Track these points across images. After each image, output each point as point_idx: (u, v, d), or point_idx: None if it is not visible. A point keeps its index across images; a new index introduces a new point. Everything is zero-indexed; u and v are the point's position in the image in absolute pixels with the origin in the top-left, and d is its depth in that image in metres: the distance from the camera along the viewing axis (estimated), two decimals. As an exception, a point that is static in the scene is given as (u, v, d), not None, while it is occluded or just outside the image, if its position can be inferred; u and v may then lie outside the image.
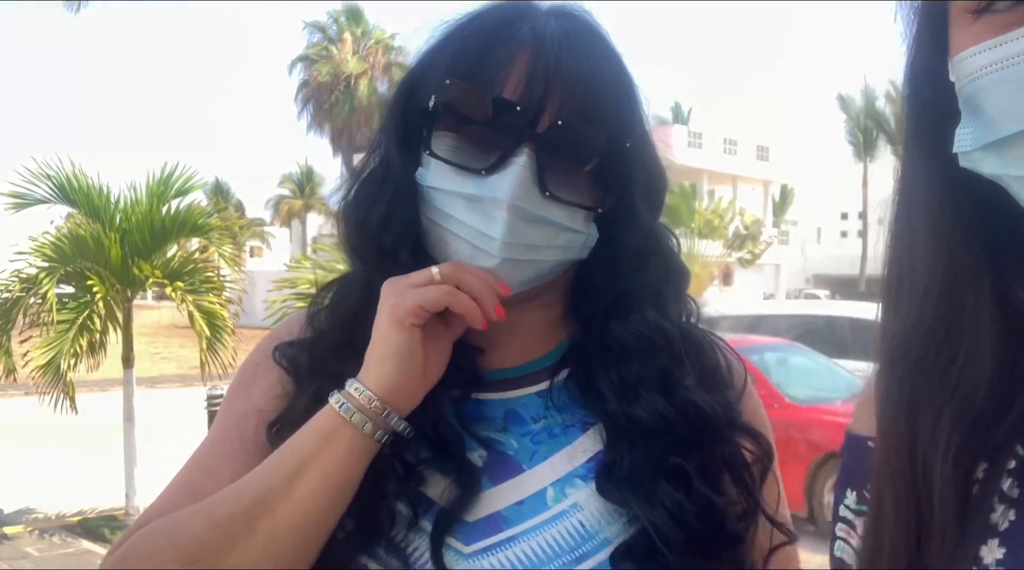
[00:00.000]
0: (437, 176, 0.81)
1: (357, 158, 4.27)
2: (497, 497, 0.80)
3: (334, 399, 0.75)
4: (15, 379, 6.05)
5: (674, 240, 0.89)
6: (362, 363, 0.77)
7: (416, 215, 0.82)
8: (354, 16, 33.72)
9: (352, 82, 32.33)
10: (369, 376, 0.75)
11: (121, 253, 6.02)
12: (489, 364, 0.85)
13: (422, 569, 0.76)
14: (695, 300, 0.89)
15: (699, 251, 25.57)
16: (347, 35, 33.15)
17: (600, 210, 0.82)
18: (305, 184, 43.78)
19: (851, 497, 0.68)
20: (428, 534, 0.77)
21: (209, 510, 0.76)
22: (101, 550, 5.42)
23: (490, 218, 0.77)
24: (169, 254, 6.33)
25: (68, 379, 5.69)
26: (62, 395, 5.74)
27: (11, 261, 5.91)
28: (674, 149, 31.13)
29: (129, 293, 6.21)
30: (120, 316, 6.17)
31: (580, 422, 0.84)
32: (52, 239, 5.94)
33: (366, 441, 0.74)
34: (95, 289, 5.87)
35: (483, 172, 0.78)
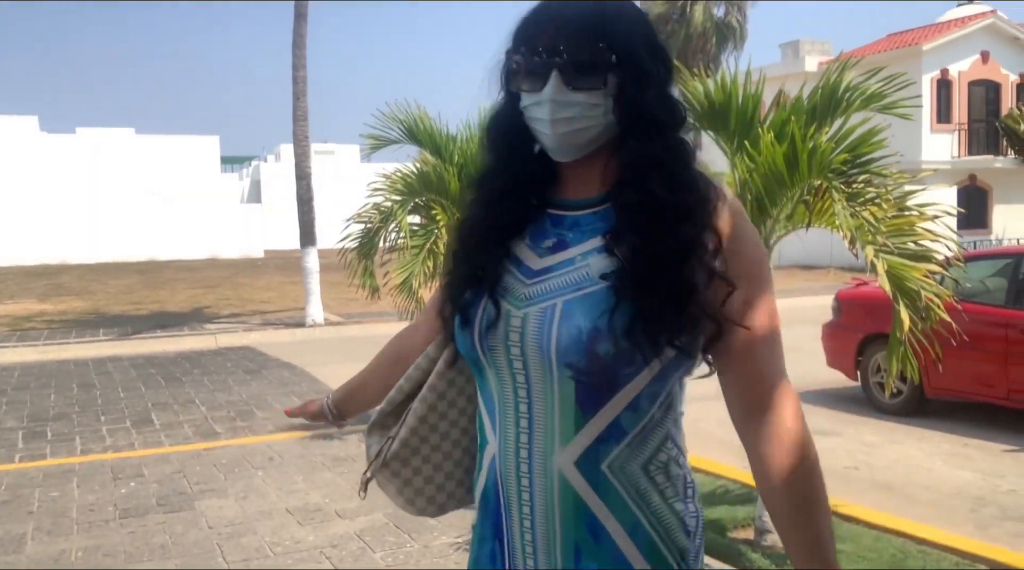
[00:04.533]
0: (524, 99, 1.38)
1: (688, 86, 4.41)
2: (550, 260, 1.39)
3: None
4: (378, 297, 7.02)
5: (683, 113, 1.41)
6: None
7: (522, 122, 1.40)
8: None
9: (687, 9, 31.88)
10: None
11: (459, 185, 6.71)
12: (564, 195, 1.44)
13: (500, 286, 1.38)
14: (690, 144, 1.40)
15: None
16: (680, -38, 32.64)
17: (604, 87, 1.33)
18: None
19: None
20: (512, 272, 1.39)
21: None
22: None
23: (543, 109, 1.34)
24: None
25: (419, 296, 6.52)
26: (415, 310, 6.58)
27: (369, 197, 6.84)
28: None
29: (468, 220, 6.90)
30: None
31: (606, 228, 1.37)
32: (402, 176, 6.77)
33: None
34: (438, 218, 6.62)
35: (539, 90, 1.35)
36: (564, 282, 1.34)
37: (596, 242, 1.36)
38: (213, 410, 8.17)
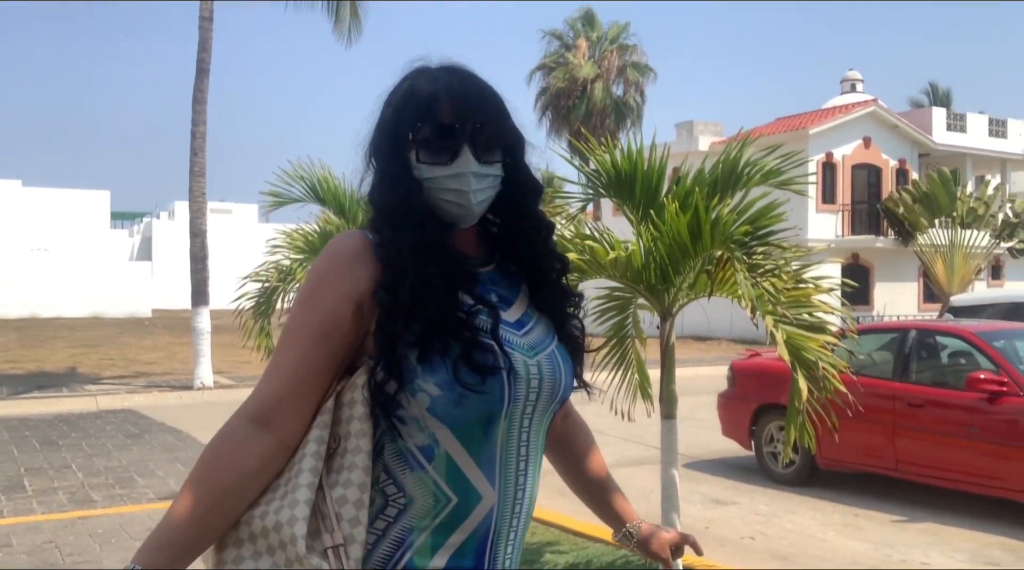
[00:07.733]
0: (431, 171, 1.43)
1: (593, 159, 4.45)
2: (514, 313, 1.50)
3: None
4: (275, 359, 6.80)
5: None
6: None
7: (421, 195, 1.44)
8: (589, 20, 34.24)
9: (587, 87, 32.81)
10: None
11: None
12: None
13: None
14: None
15: (962, 241, 23.72)
16: (582, 41, 33.70)
17: (505, 160, 1.49)
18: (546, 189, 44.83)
19: None
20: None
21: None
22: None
23: (462, 181, 1.42)
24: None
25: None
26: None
27: (269, 254, 6.68)
28: (932, 133, 28.98)
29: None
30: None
31: (511, 283, 1.54)
32: (303, 234, 6.63)
33: None
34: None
35: (446, 163, 1.43)
36: (542, 333, 1.51)
37: (524, 298, 1.54)
38: (90, 476, 7.71)
